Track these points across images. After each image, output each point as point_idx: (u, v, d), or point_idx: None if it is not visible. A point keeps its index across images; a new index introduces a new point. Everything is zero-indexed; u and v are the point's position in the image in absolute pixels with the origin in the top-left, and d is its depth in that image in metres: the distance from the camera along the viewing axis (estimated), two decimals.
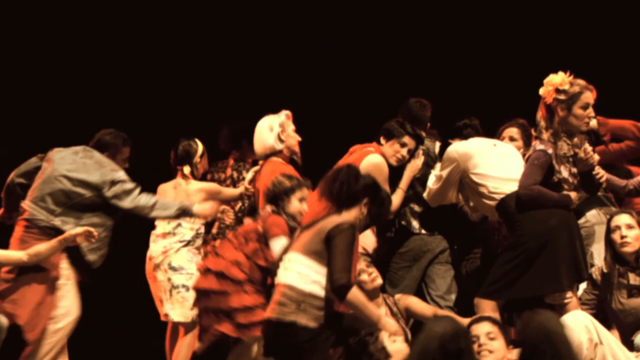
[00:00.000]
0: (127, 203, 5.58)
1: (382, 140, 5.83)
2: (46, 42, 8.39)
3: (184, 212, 5.76)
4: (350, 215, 4.80)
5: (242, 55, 8.90)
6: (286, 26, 8.86)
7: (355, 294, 4.53)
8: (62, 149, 5.79)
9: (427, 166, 5.95)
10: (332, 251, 4.60)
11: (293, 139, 5.91)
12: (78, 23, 8.44)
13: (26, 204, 5.41)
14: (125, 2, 8.56)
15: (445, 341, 3.87)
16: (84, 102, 7.90)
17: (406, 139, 5.80)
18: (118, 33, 8.56)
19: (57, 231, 5.36)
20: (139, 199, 5.65)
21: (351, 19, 8.83)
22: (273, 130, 5.83)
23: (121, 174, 5.68)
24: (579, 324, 4.60)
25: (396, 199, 5.76)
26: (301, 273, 4.68)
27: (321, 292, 4.59)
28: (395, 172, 5.88)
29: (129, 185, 5.68)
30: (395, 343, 4.43)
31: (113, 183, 5.63)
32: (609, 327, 5.17)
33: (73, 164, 5.63)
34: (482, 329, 4.30)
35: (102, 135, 5.99)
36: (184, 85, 8.36)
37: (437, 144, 6.09)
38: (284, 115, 5.91)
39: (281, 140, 5.84)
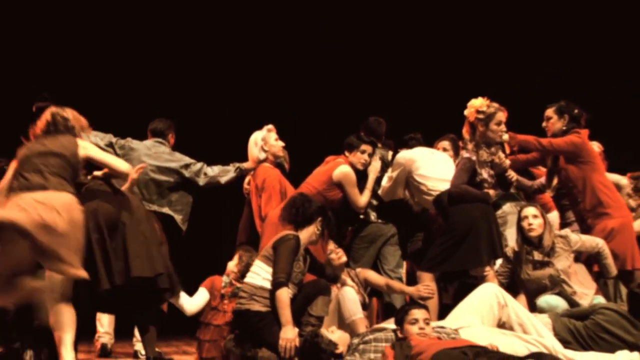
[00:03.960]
0: (201, 180, 5.91)
1: (347, 153, 6.11)
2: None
3: (239, 170, 6.17)
4: (308, 232, 5.18)
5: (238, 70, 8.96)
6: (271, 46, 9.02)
7: (283, 292, 4.85)
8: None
9: (382, 170, 6.21)
10: (277, 256, 4.97)
11: (275, 146, 6.24)
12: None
13: None
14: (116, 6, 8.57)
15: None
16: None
17: (363, 147, 6.09)
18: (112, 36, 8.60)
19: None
20: (208, 172, 5.97)
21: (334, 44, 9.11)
22: (257, 144, 6.22)
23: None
24: (489, 291, 5.03)
25: (365, 198, 6.07)
26: (255, 272, 5.08)
27: (269, 286, 4.95)
28: (361, 175, 6.17)
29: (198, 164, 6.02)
30: (334, 333, 4.70)
31: (187, 166, 5.98)
32: (517, 293, 5.62)
33: (151, 157, 5.87)
34: (421, 314, 4.44)
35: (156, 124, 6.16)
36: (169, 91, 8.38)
37: (390, 153, 6.37)
38: (265, 130, 6.27)
39: (265, 151, 6.21)
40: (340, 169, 6.07)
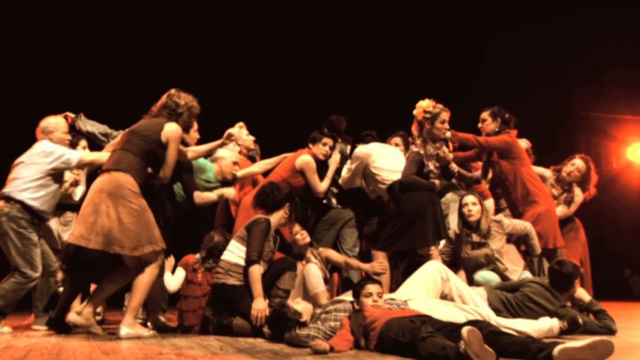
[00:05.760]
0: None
1: (310, 145, 6.33)
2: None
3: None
4: (277, 216, 5.31)
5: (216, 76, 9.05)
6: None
7: (255, 269, 4.95)
8: None
9: (342, 162, 6.45)
10: (250, 237, 5.09)
11: (247, 141, 6.46)
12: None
13: None
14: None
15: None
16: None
17: (325, 140, 6.31)
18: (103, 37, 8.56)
19: None
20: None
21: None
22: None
23: None
24: (434, 268, 5.24)
25: (324, 185, 6.26)
26: (231, 250, 5.19)
27: (243, 263, 5.08)
28: (324, 166, 6.37)
29: None
30: (299, 304, 4.66)
31: None
32: (458, 269, 5.94)
33: None
34: (375, 289, 4.51)
35: None
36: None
37: (349, 147, 6.60)
38: (237, 127, 6.46)
39: (238, 145, 6.40)
40: (302, 157, 6.25)
